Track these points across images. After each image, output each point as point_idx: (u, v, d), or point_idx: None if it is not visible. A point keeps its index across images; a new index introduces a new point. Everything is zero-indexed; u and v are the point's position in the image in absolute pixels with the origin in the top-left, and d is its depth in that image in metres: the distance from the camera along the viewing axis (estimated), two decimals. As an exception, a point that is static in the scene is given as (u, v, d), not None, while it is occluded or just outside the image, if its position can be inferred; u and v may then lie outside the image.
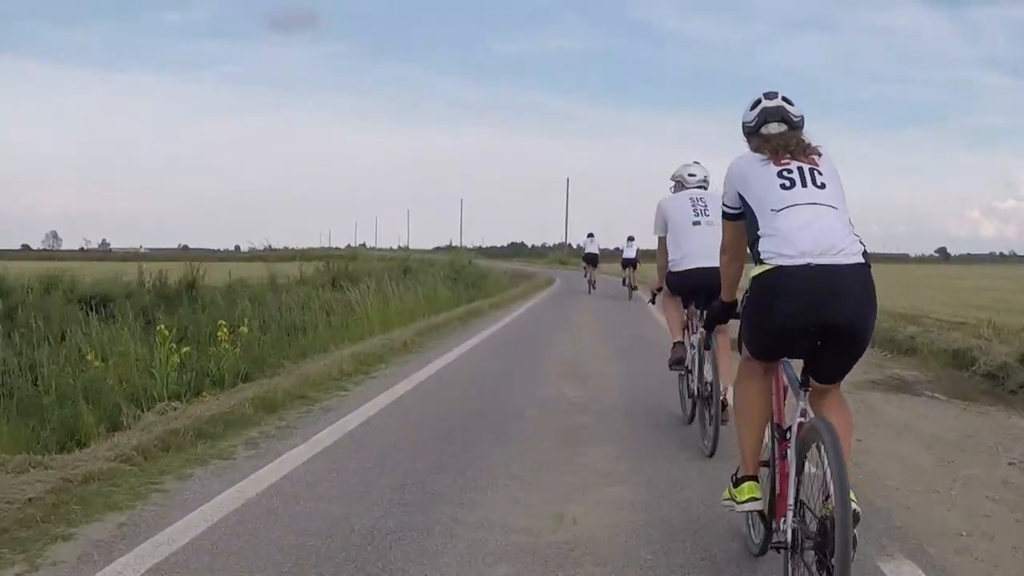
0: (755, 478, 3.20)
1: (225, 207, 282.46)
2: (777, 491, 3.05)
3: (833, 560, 2.44)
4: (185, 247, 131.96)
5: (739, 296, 3.36)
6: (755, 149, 3.17)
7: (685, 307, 5.85)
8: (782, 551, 2.87)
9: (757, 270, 2.96)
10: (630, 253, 22.28)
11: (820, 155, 3.08)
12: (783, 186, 2.98)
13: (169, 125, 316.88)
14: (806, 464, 2.83)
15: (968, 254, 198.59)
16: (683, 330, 5.88)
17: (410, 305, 15.59)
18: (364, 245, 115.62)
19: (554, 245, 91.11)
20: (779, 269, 2.86)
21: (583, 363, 9.28)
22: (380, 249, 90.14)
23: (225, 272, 19.09)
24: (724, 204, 3.25)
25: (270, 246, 67.16)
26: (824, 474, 2.59)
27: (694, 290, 5.53)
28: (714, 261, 3.87)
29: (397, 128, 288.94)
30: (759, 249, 2.96)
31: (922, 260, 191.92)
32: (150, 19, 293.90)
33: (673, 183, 6.00)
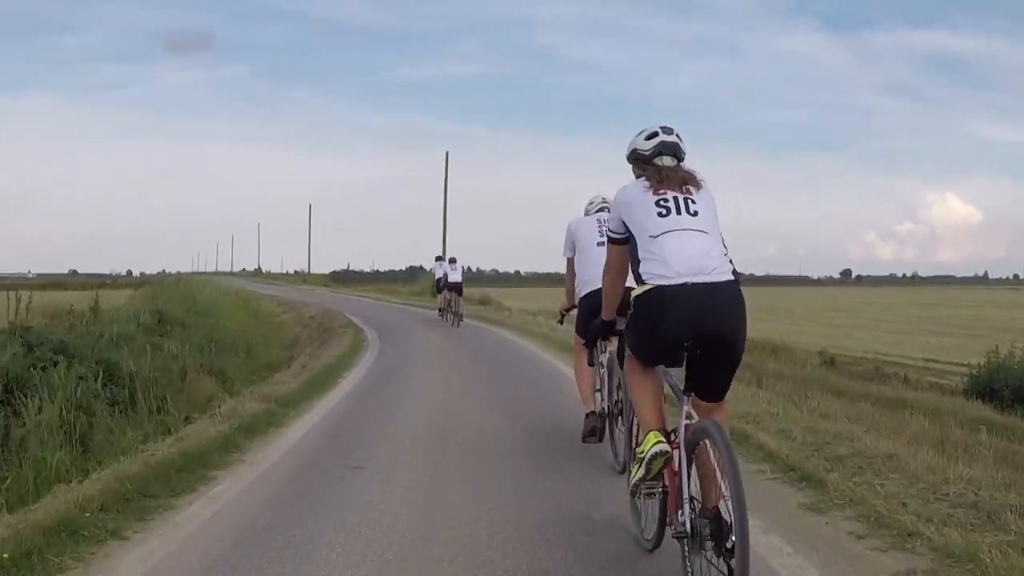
0: (655, 430, 3.45)
1: (118, 231, 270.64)
2: (667, 489, 3.47)
3: (730, 545, 2.92)
4: (74, 272, 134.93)
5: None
6: (641, 176, 3.65)
7: (593, 343, 5.87)
8: (682, 541, 3.23)
9: (639, 290, 3.41)
10: (455, 276, 20.33)
11: (699, 187, 3.53)
12: (660, 214, 3.42)
13: (61, 148, 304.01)
14: (693, 461, 3.27)
15: (868, 276, 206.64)
16: (594, 398, 5.98)
17: None
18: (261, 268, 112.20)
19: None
20: (659, 288, 3.32)
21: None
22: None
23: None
24: (609, 229, 3.73)
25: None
26: (715, 470, 3.08)
27: (598, 311, 5.13)
28: None
29: (295, 152, 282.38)
30: (640, 271, 3.43)
31: (831, 283, 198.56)
32: (43, 42, 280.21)
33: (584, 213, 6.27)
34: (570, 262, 6.04)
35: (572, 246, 5.99)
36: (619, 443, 5.40)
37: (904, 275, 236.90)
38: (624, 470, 5.00)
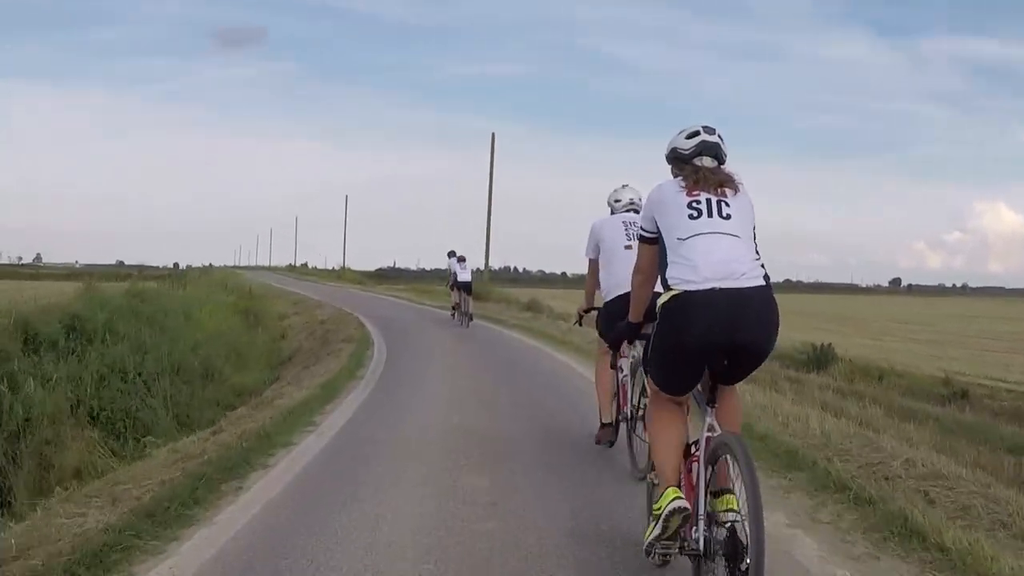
0: (675, 486, 3.25)
1: (165, 224, 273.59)
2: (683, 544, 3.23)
3: (745, 566, 2.74)
4: (121, 263, 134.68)
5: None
6: (678, 175, 3.44)
7: (617, 347, 5.52)
8: (692, 559, 3.08)
9: (664, 297, 3.21)
10: (465, 275, 19.12)
11: (736, 190, 3.33)
12: (691, 216, 3.24)
13: (110, 140, 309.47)
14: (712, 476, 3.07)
15: (917, 285, 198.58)
16: (613, 408, 5.78)
17: None
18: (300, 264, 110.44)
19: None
20: (685, 295, 3.11)
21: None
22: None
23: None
24: (641, 228, 3.49)
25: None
26: (734, 486, 2.95)
27: (624, 315, 4.98)
28: None
29: (340, 148, 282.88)
30: (667, 275, 3.23)
31: (881, 291, 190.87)
32: (93, 34, 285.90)
33: (609, 209, 5.96)
34: (592, 263, 5.81)
35: (596, 247, 5.73)
36: (638, 449, 5.22)
37: (954, 285, 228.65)
38: (644, 477, 4.56)
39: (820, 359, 25.41)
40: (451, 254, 20.15)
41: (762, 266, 3.21)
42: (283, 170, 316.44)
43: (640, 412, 5.25)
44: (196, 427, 9.75)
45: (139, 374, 10.11)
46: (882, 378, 22.94)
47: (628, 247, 5.42)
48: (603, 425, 5.75)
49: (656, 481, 3.43)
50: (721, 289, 3.06)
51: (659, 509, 3.16)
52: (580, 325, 6.68)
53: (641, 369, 5.07)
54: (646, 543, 3.22)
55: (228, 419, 7.22)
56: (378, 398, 8.30)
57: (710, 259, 3.12)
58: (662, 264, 3.29)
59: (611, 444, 5.72)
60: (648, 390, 3.50)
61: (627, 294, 5.03)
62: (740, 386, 9.26)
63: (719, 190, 3.28)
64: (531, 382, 9.92)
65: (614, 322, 5.26)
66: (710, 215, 3.22)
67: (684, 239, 3.20)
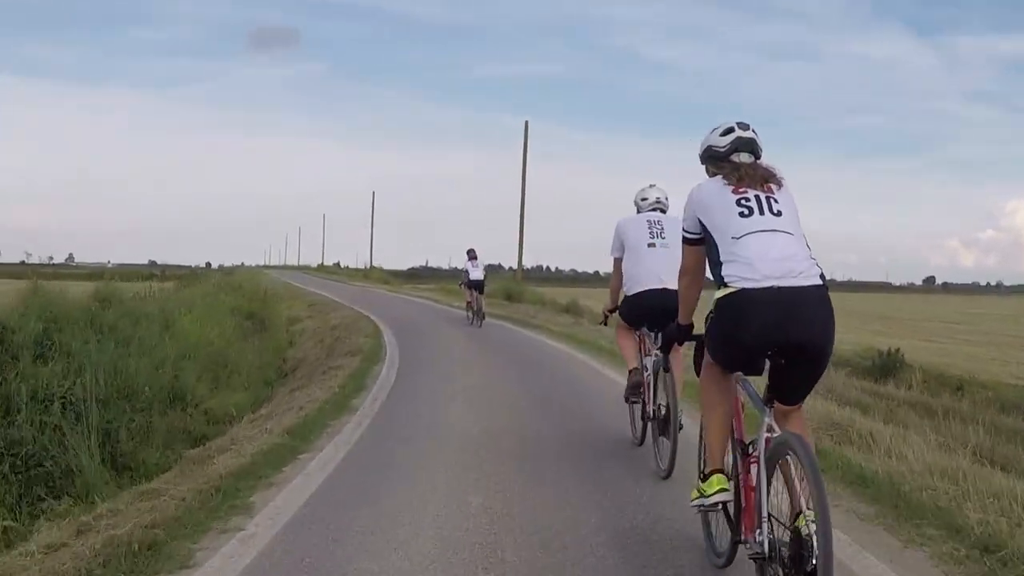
0: (722, 470, 3.26)
1: (197, 223, 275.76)
2: (743, 505, 3.18)
3: (811, 568, 2.62)
4: (153, 263, 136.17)
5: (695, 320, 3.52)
6: (716, 175, 3.32)
7: (636, 329, 5.74)
8: (757, 562, 2.95)
9: (721, 292, 3.09)
10: (478, 274, 18.70)
11: (780, 185, 3.23)
12: (742, 214, 3.13)
13: (143, 141, 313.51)
14: (774, 477, 2.95)
15: (949, 283, 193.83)
16: (638, 356, 5.73)
17: None
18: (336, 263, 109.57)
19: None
20: (743, 291, 3.01)
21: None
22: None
23: None
24: (684, 230, 3.38)
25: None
26: (797, 486, 2.79)
27: (644, 313, 5.46)
28: (664, 283, 4.99)
29: (373, 147, 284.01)
30: (723, 273, 3.11)
31: (915, 290, 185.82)
32: (126, 35, 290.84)
33: (636, 208, 5.88)
34: (617, 262, 5.71)
35: (620, 246, 5.63)
36: (662, 448, 5.18)
37: (988, 283, 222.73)
38: (668, 475, 4.94)
39: (887, 366, 22.66)
40: (468, 252, 19.26)
41: (817, 265, 3.11)
42: (314, 170, 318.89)
43: (663, 413, 5.17)
44: (141, 474, 7.36)
45: (70, 402, 7.71)
46: (961, 388, 20.24)
47: (651, 245, 5.43)
48: (631, 371, 5.65)
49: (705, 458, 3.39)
50: (779, 287, 2.98)
51: (705, 492, 3.24)
52: (605, 325, 6.59)
53: (662, 370, 5.26)
54: (692, 503, 3.35)
55: (118, 500, 4.70)
56: (366, 454, 5.81)
57: (767, 257, 3.02)
58: (715, 263, 3.17)
59: (642, 396, 5.58)
60: (703, 363, 3.36)
61: (647, 291, 5.29)
62: (863, 422, 6.09)
63: (765, 186, 3.19)
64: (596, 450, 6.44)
65: (634, 313, 5.50)
66: (761, 212, 3.12)
67: (738, 238, 3.09)
